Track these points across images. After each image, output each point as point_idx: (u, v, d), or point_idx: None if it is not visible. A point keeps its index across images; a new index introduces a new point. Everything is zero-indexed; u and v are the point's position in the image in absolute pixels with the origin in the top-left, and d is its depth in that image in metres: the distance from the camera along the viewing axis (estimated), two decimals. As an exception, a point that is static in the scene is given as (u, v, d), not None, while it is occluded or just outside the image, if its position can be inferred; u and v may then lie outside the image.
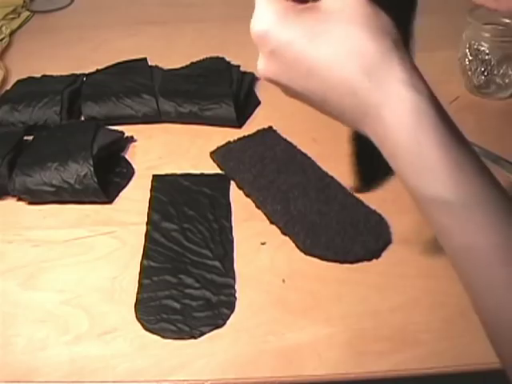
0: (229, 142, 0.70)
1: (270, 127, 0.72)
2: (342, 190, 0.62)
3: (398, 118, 0.33)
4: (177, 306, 0.52)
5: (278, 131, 0.72)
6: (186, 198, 0.63)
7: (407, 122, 0.33)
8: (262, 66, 0.38)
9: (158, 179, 0.66)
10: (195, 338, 0.50)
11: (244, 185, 0.64)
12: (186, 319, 0.51)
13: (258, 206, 0.62)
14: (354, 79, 0.34)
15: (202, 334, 0.50)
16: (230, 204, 0.62)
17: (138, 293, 0.54)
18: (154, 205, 0.63)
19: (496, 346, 0.34)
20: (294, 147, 0.69)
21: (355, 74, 0.34)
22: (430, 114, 0.33)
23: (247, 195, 0.63)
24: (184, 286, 0.54)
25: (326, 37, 0.35)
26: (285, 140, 0.70)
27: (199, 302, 0.53)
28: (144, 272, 0.55)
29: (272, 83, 0.39)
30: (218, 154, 0.69)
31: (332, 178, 0.64)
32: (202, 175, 0.66)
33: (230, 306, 0.52)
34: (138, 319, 0.51)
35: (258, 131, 0.72)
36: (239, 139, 0.71)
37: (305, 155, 0.68)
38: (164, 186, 0.65)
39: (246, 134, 0.72)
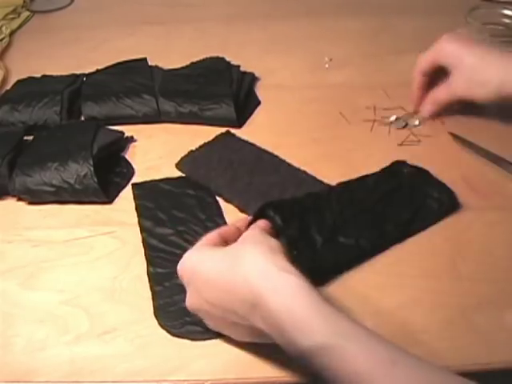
0: (191, 151, 0.68)
1: (228, 131, 0.71)
2: (319, 184, 0.62)
3: (279, 294, 0.41)
4: None
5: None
6: (171, 201, 0.62)
7: (285, 294, 0.41)
8: (187, 301, 0.48)
9: (137, 187, 0.65)
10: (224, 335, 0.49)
11: (221, 191, 0.63)
12: None
13: (241, 210, 0.61)
14: (248, 281, 0.42)
15: None
16: (217, 201, 0.62)
17: (153, 299, 0.53)
18: (142, 212, 0.62)
19: None
20: (258, 148, 0.68)
21: (247, 277, 0.43)
22: (304, 287, 0.42)
23: (228, 201, 0.62)
24: None
25: (224, 256, 0.46)
26: (246, 142, 0.69)
27: None
28: (153, 279, 0.55)
29: (198, 312, 0.48)
30: (184, 165, 0.67)
31: (305, 172, 0.64)
32: (181, 178, 0.65)
33: None
34: (162, 326, 0.51)
35: (217, 136, 0.70)
36: (201, 146, 0.69)
37: (271, 154, 0.67)
38: (146, 193, 0.64)
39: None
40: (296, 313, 0.40)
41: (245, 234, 0.49)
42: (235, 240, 0.49)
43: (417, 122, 0.72)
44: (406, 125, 0.72)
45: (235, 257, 0.45)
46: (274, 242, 0.47)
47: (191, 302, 0.48)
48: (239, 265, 0.44)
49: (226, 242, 0.50)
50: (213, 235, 0.50)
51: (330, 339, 0.38)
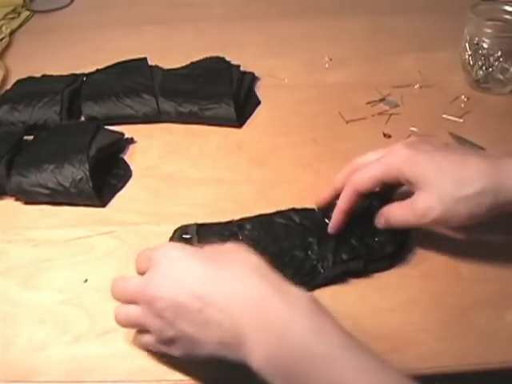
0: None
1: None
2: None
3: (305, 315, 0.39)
4: None
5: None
6: None
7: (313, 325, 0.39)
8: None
9: None
10: None
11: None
12: None
13: None
14: (266, 295, 0.40)
15: None
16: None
17: None
18: None
19: None
20: None
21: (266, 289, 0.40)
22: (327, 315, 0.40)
23: None
24: None
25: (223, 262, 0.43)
26: None
27: None
28: None
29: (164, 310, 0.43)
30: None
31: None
32: None
33: None
34: None
35: None
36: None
37: None
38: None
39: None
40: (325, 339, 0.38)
41: (223, 247, 0.45)
42: None
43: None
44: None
45: (241, 263, 0.42)
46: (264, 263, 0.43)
47: (165, 290, 0.42)
48: (245, 273, 0.41)
49: None
50: None
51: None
